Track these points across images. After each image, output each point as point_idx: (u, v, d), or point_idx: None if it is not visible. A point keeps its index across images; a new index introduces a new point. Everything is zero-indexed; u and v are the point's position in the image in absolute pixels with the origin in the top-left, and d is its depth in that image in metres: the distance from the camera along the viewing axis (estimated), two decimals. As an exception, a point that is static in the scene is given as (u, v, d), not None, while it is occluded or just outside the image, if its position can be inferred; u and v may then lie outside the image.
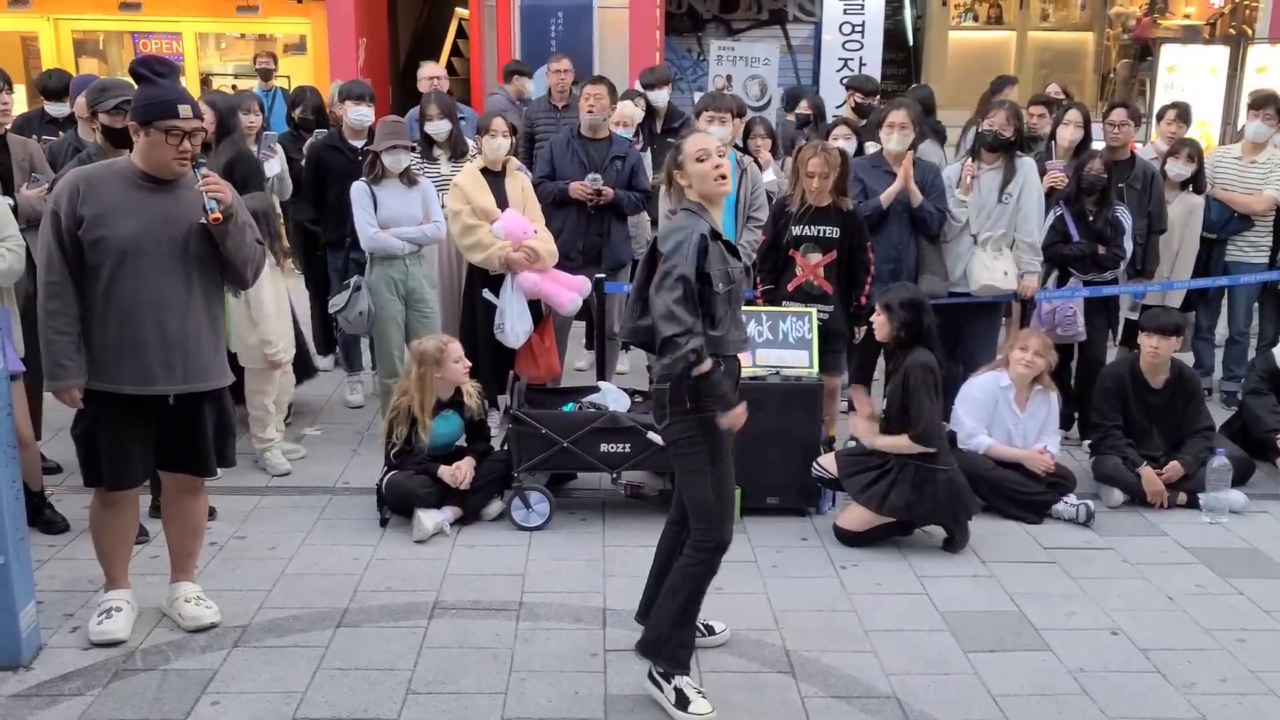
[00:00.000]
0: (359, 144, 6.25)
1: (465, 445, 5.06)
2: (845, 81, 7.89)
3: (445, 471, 4.79)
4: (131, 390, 3.62)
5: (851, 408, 5.60)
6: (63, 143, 5.39)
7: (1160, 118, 7.14)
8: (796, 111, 7.87)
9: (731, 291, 3.42)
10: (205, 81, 12.66)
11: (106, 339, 3.58)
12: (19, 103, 7.34)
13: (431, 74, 7.39)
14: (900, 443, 4.64)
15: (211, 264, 3.69)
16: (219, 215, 3.55)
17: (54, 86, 6.75)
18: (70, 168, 4.27)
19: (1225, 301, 6.84)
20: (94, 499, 3.84)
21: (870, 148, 6.42)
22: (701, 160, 3.38)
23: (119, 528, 3.88)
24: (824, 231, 5.25)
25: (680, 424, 3.42)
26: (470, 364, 5.03)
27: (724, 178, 3.39)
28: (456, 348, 4.95)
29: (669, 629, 3.50)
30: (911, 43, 14.93)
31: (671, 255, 3.31)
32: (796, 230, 5.28)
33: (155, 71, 3.57)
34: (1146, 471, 5.16)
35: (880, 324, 4.70)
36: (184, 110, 3.53)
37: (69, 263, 3.53)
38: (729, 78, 11.44)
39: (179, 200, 3.60)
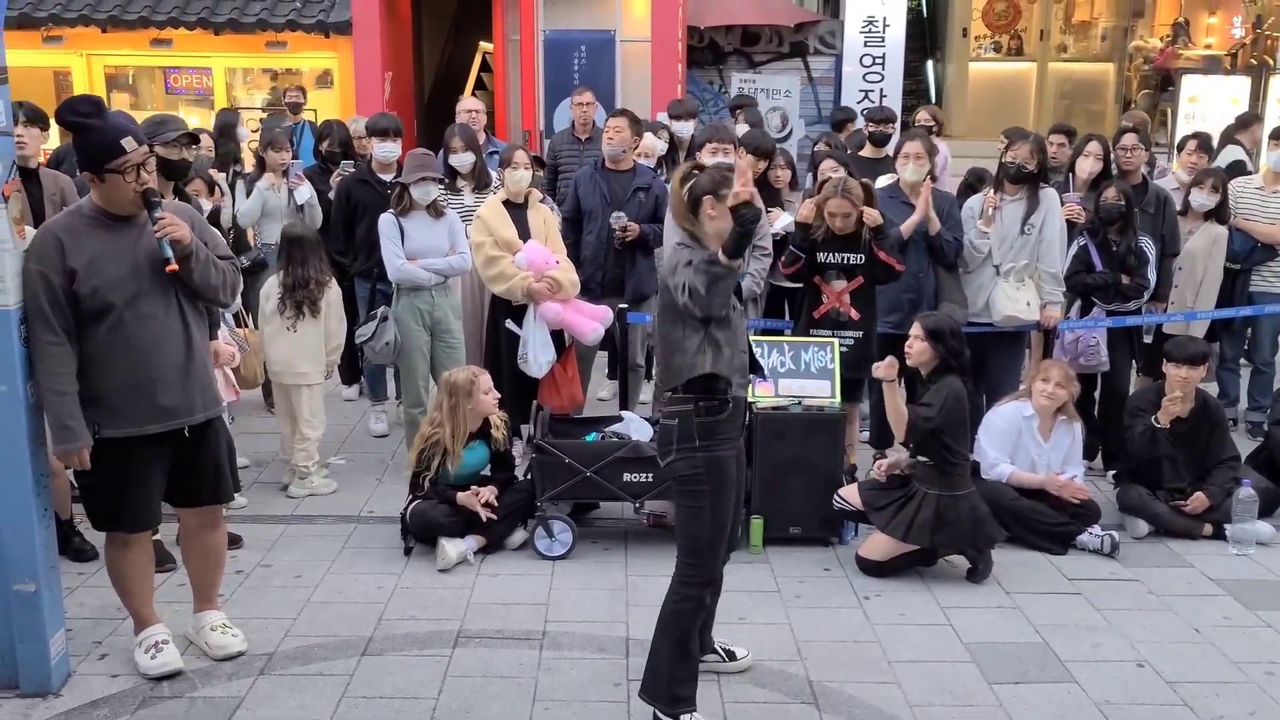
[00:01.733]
0: (388, 178, 6.35)
1: (489, 475, 5.09)
2: (864, 113, 7.92)
3: (463, 496, 4.82)
4: (155, 429, 3.63)
5: (876, 446, 5.65)
6: (64, 150, 5.32)
7: (1181, 148, 7.15)
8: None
9: (730, 319, 3.41)
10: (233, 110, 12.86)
11: (116, 383, 3.57)
12: (53, 137, 7.45)
13: (470, 107, 7.50)
14: (898, 410, 4.65)
15: (191, 293, 3.71)
16: (175, 265, 3.54)
17: None
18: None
19: (1250, 331, 6.81)
20: (111, 545, 3.80)
21: (883, 180, 6.45)
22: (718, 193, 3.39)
23: (142, 564, 3.88)
24: (848, 259, 5.29)
25: (686, 460, 3.42)
26: (499, 395, 5.07)
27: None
28: (486, 379, 5.00)
29: (666, 669, 3.47)
30: (932, 75, 15.01)
31: (674, 273, 3.36)
32: (821, 257, 5.32)
33: (83, 114, 3.51)
34: (1177, 506, 5.15)
35: (920, 350, 4.67)
36: (128, 144, 3.50)
37: (64, 319, 3.49)
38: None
39: (149, 234, 3.58)
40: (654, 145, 6.93)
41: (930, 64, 14.80)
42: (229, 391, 5.10)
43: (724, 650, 3.85)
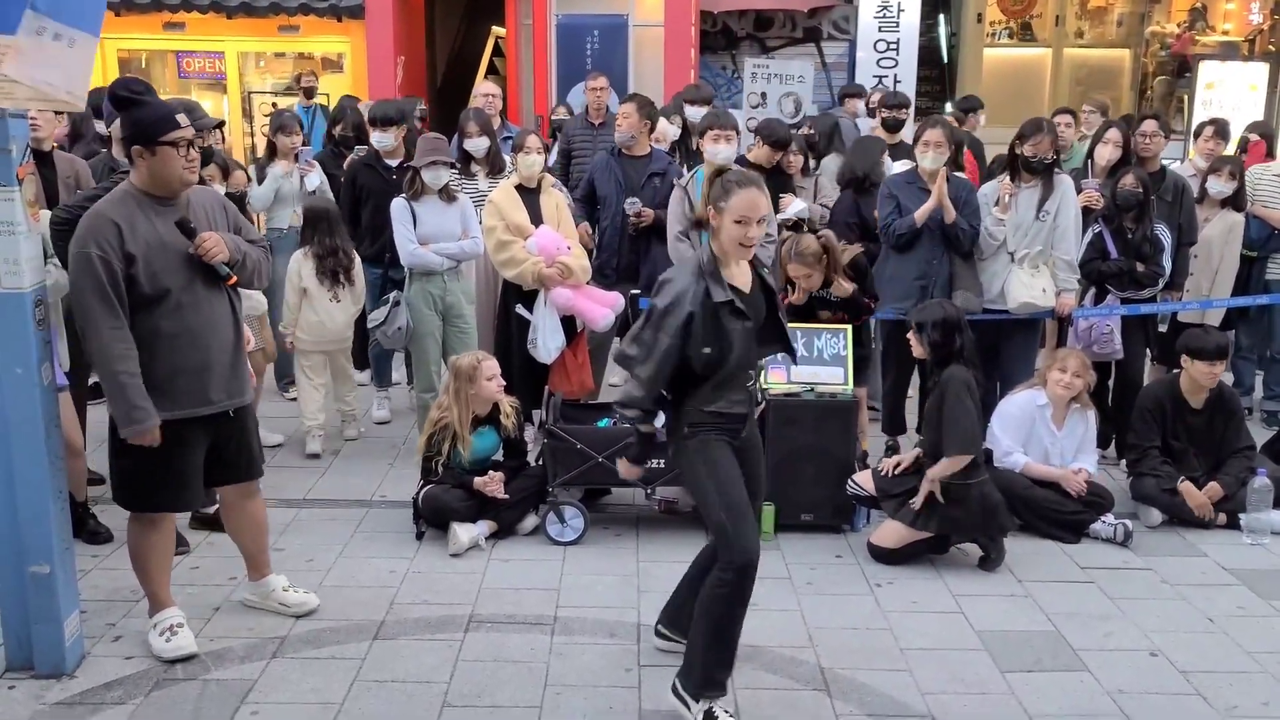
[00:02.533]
0: (394, 163, 6.34)
1: (500, 460, 5.09)
2: (878, 99, 7.85)
3: (479, 481, 4.83)
4: (206, 411, 3.70)
5: (888, 433, 5.66)
6: (97, 163, 5.40)
7: (1198, 135, 7.09)
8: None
9: (720, 363, 3.33)
10: (247, 99, 12.84)
11: (172, 367, 3.61)
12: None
13: (486, 91, 7.49)
14: (946, 466, 4.60)
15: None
16: (234, 278, 3.70)
17: (95, 103, 6.86)
18: (101, 187, 4.26)
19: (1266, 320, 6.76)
20: (136, 525, 3.83)
21: (899, 166, 6.42)
22: (739, 223, 3.29)
23: (165, 546, 3.91)
24: (831, 294, 5.32)
25: (676, 447, 3.49)
26: (505, 382, 5.06)
27: (747, 248, 3.33)
28: (491, 365, 4.98)
29: (700, 649, 3.44)
30: (946, 60, 14.90)
31: (651, 318, 3.34)
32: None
33: (136, 91, 3.59)
34: (1186, 486, 5.10)
35: (913, 344, 4.71)
36: (182, 119, 3.58)
37: (122, 303, 3.50)
38: (763, 95, 11.46)
39: (193, 218, 3.64)
40: (666, 131, 6.90)
41: (942, 27, 14.54)
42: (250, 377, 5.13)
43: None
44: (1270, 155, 7.15)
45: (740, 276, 3.43)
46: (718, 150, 5.78)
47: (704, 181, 3.52)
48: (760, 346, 3.53)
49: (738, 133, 6.03)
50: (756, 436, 3.65)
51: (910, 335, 4.77)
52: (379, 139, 6.39)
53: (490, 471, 4.90)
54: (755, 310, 3.44)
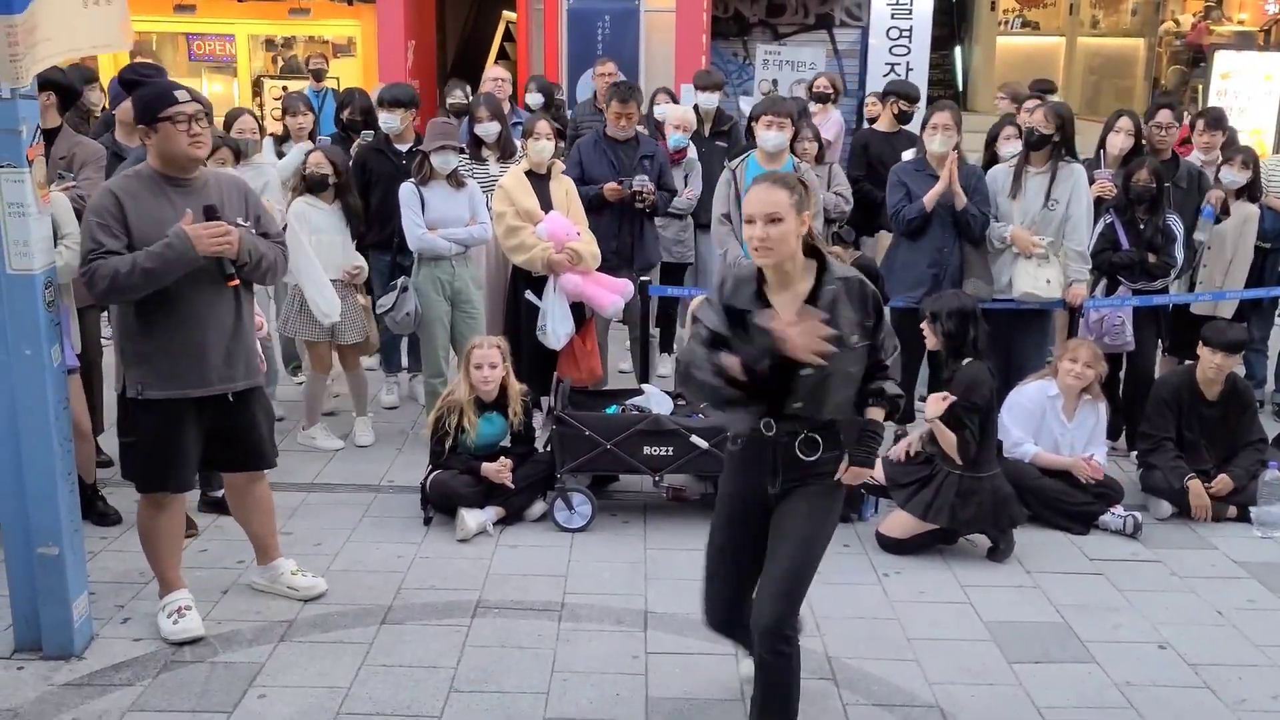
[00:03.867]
0: (404, 148, 6.32)
1: (508, 447, 5.08)
2: (886, 88, 7.77)
3: (489, 468, 4.82)
4: (197, 393, 3.68)
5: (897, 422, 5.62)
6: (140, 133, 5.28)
7: (1192, 128, 6.99)
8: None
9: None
10: (257, 82, 12.83)
11: (168, 346, 3.62)
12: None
13: (496, 76, 7.46)
14: (949, 439, 4.60)
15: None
16: (235, 280, 3.66)
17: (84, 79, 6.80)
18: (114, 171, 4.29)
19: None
20: (145, 507, 3.84)
21: (907, 154, 6.38)
22: (748, 222, 2.96)
23: (174, 528, 3.93)
24: None
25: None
26: (504, 373, 5.00)
27: (758, 251, 2.96)
28: (486, 354, 4.91)
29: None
30: (960, 48, 14.84)
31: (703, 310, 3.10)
32: None
33: (144, 74, 3.64)
34: (1194, 485, 5.08)
35: (927, 334, 4.69)
36: (181, 95, 3.57)
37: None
38: (774, 82, 11.42)
39: (206, 199, 3.62)
40: (689, 117, 6.86)
41: (958, 49, 14.63)
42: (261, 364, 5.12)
43: None
44: (1188, 143, 6.98)
45: (790, 287, 3.00)
46: (768, 137, 5.68)
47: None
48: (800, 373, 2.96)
49: (793, 120, 5.93)
50: (782, 496, 3.11)
51: (924, 326, 4.75)
52: (386, 121, 6.36)
53: (500, 458, 4.90)
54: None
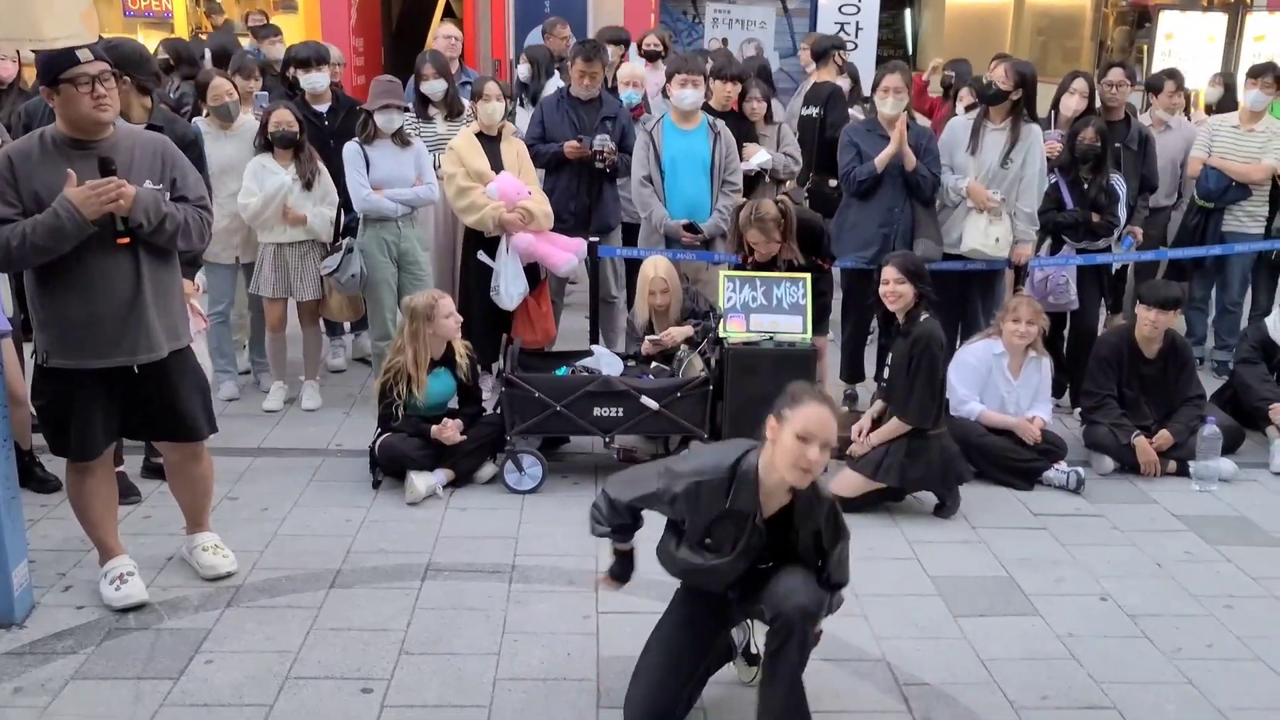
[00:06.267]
0: (323, 109, 6.20)
1: (456, 409, 5.04)
2: (818, 46, 7.62)
3: (436, 429, 4.79)
4: (96, 364, 3.55)
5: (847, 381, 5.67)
6: (36, 105, 5.08)
7: (1157, 89, 7.06)
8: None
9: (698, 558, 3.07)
10: (195, 38, 12.49)
11: (65, 314, 3.49)
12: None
13: (448, 34, 7.32)
14: (893, 428, 4.66)
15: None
16: (124, 239, 3.45)
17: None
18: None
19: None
20: (70, 473, 3.77)
21: (859, 113, 6.38)
22: (802, 440, 2.83)
23: (102, 493, 3.84)
24: (780, 262, 5.28)
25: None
26: (462, 319, 5.01)
27: (805, 472, 2.86)
28: (448, 303, 4.92)
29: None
30: (909, 9, 14.83)
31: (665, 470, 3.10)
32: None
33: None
34: (1140, 442, 5.17)
35: (901, 293, 4.64)
36: (84, 55, 3.40)
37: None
38: (724, 40, 11.34)
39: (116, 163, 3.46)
40: (640, 73, 6.79)
41: (908, 11, 14.63)
42: (197, 320, 4.99)
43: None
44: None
45: (774, 499, 2.98)
46: (684, 95, 5.72)
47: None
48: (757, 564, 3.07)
49: (705, 77, 5.94)
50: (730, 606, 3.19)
51: (889, 287, 4.69)
52: (307, 80, 6.20)
53: (446, 419, 4.87)
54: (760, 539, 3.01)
